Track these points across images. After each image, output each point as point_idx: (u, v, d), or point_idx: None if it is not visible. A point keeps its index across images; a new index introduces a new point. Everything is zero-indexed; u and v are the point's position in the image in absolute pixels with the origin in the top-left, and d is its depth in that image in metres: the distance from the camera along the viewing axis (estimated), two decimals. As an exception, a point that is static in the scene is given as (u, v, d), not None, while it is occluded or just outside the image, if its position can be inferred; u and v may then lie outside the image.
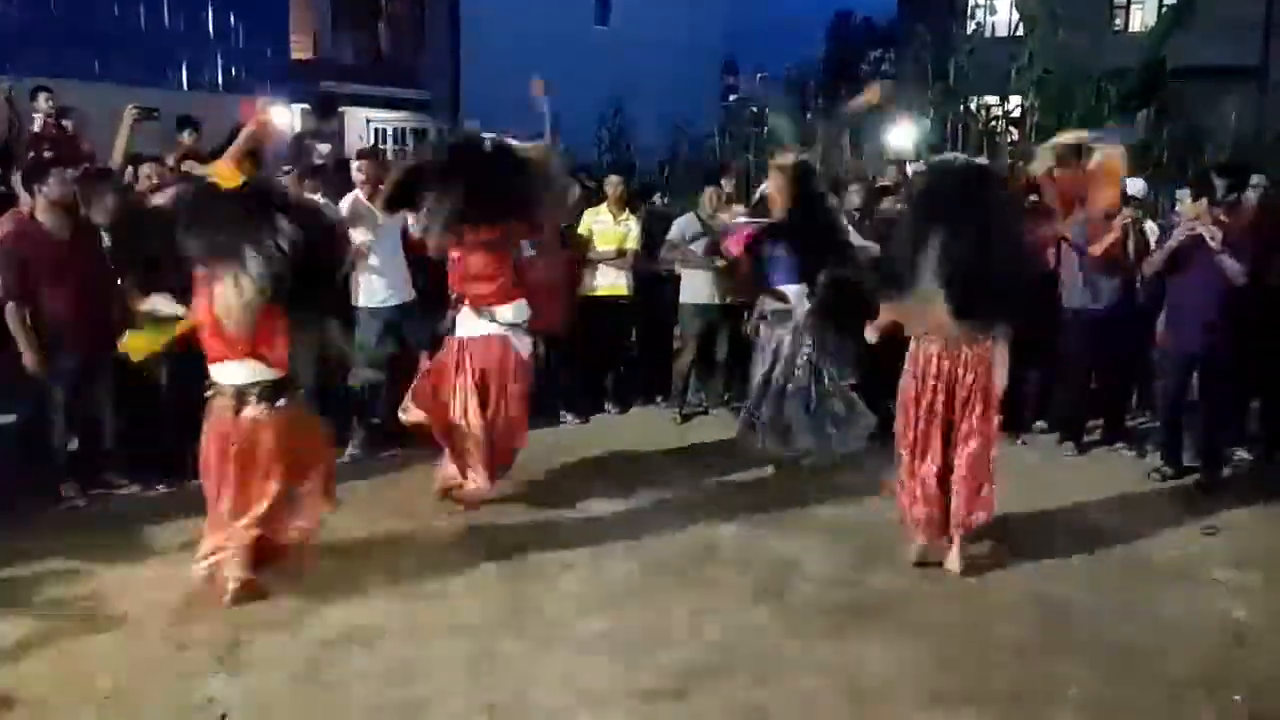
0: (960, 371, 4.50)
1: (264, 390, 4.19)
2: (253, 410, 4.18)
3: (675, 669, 3.69)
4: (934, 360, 4.53)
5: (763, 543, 4.92)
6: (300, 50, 18.95)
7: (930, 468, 4.57)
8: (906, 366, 4.66)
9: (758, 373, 5.85)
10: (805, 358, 5.70)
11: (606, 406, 7.37)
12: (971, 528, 4.57)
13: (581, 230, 7.20)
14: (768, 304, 5.86)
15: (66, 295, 5.13)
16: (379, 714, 3.39)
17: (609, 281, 7.21)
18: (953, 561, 4.56)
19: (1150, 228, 6.54)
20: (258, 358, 4.17)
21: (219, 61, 14.99)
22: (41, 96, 7.77)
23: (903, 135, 9.77)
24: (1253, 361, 5.96)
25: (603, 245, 7.17)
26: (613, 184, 7.31)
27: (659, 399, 7.48)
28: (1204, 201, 5.70)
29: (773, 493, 5.59)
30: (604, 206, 7.26)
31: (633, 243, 7.17)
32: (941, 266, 4.24)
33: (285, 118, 5.93)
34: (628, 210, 7.29)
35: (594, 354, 7.43)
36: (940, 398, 4.53)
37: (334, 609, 4.14)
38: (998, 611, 4.21)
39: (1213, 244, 5.45)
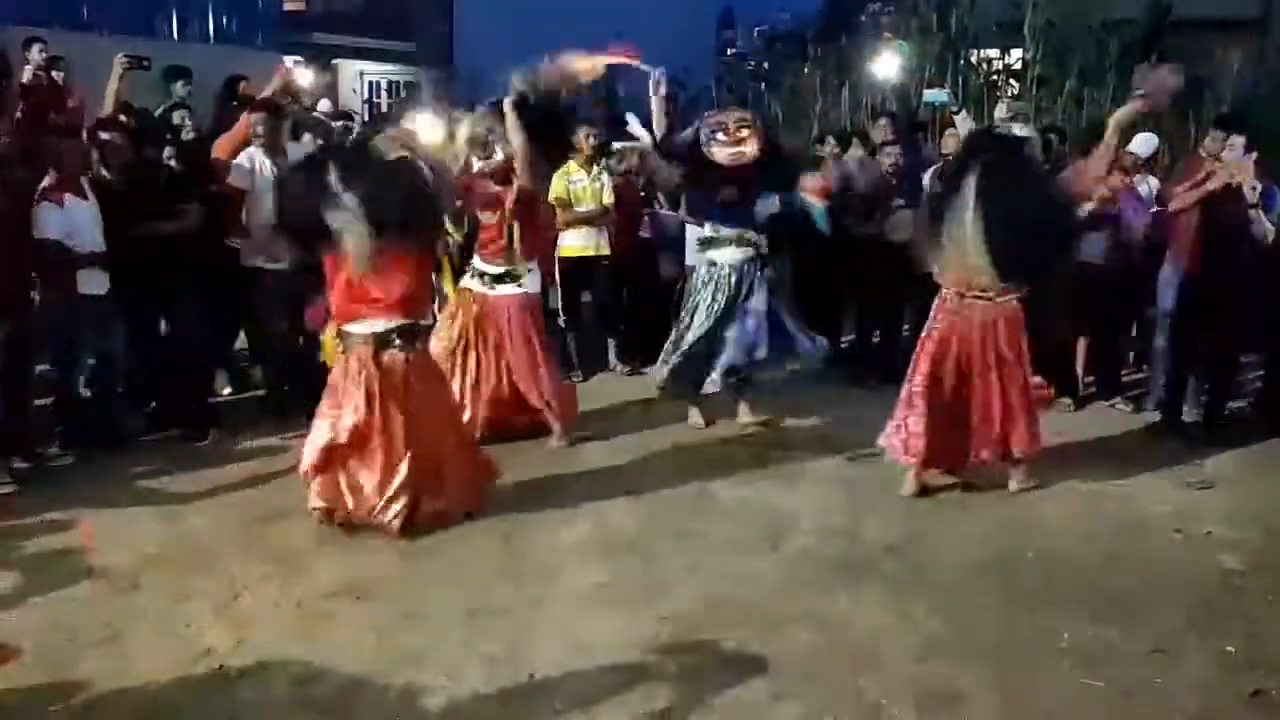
0: (989, 323, 4.72)
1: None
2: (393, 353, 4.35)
3: (672, 621, 3.71)
4: (962, 310, 4.73)
5: (760, 496, 4.94)
6: (292, 1, 18.69)
7: (948, 399, 4.76)
8: (934, 313, 4.84)
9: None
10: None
11: (613, 365, 7.19)
12: (1030, 454, 4.87)
13: (560, 193, 6.72)
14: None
15: None
16: (376, 665, 3.40)
17: (591, 242, 6.86)
18: (1017, 482, 4.95)
19: (1152, 182, 6.49)
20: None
21: (210, 11, 14.78)
22: (35, 48, 7.65)
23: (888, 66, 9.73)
24: (1254, 318, 5.93)
25: (583, 204, 6.80)
26: (584, 135, 6.65)
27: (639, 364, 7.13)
28: (1253, 156, 5.55)
29: (770, 447, 5.60)
30: (573, 164, 6.70)
31: (609, 196, 6.85)
32: (989, 220, 4.41)
33: (309, 78, 5.86)
34: (595, 165, 6.86)
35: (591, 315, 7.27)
36: (969, 348, 4.74)
37: (332, 561, 4.17)
38: (990, 563, 4.24)
39: (1250, 195, 5.42)
